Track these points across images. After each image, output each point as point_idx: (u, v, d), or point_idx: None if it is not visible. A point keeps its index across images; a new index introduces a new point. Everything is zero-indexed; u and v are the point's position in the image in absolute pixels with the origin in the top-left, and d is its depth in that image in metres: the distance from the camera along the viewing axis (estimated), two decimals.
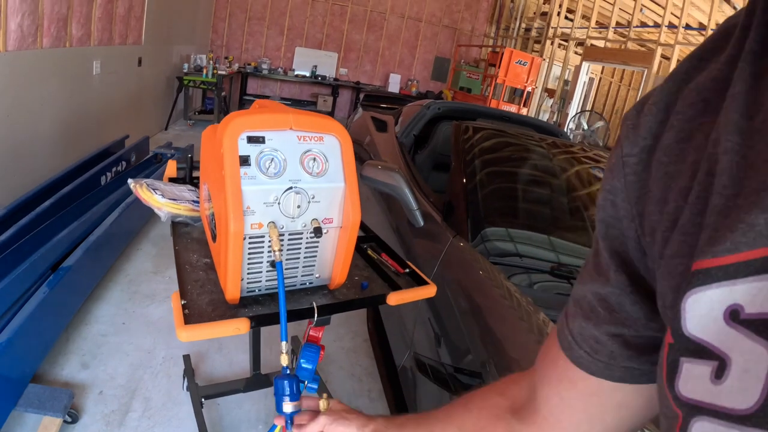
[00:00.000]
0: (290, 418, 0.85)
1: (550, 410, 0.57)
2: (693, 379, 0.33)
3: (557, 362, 0.53)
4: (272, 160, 0.97)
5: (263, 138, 0.98)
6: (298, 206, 1.00)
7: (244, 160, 0.96)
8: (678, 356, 0.34)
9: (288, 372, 0.91)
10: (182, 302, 1.08)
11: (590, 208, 2.29)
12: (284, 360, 0.95)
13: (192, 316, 1.05)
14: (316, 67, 10.74)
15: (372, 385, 2.55)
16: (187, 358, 2.38)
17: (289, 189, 0.99)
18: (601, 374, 0.49)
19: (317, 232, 1.02)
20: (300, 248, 1.08)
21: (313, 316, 1.08)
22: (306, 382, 1.07)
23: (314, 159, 1.01)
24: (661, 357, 0.37)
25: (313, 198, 1.02)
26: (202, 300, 1.10)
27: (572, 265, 1.87)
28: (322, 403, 0.84)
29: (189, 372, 2.28)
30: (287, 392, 0.85)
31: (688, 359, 0.33)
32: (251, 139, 0.97)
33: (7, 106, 3.51)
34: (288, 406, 0.85)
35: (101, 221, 3.14)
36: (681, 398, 0.34)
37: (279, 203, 0.99)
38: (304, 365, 1.05)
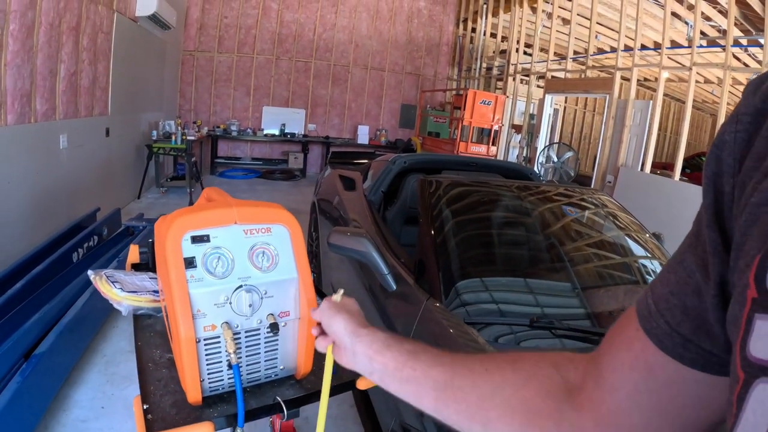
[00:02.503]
0: None
1: (617, 401, 0.52)
2: (764, 338, 0.33)
3: (632, 344, 0.51)
4: (219, 258, 0.94)
5: (208, 236, 0.95)
6: (250, 305, 0.96)
7: (190, 263, 0.93)
8: (755, 313, 0.34)
9: None
10: (144, 407, 1.03)
11: (565, 244, 2.29)
12: None
13: (155, 421, 0.99)
14: (284, 125, 10.85)
15: None
16: None
17: (240, 288, 0.95)
18: (674, 352, 0.47)
19: (274, 328, 0.99)
20: (259, 344, 1.04)
21: (281, 411, 1.04)
22: None
23: (263, 252, 0.98)
24: (741, 316, 0.36)
25: (265, 293, 0.99)
26: (165, 402, 1.05)
27: (553, 306, 1.86)
28: (336, 296, 0.84)
29: None
30: None
31: (762, 315, 0.34)
32: (195, 239, 0.94)
33: None
34: None
35: (74, 302, 3.07)
36: (749, 358, 0.34)
37: (230, 303, 0.96)
38: None
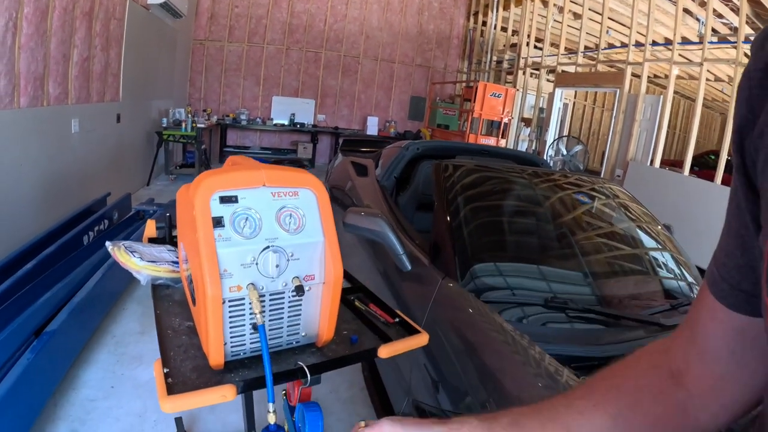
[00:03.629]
0: None
1: (722, 367, 0.56)
2: None
3: (716, 313, 0.55)
4: (247, 219, 0.94)
5: (236, 197, 0.95)
6: (277, 265, 0.96)
7: (218, 222, 0.93)
8: None
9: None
10: (165, 370, 1.03)
11: (577, 233, 2.28)
12: (271, 419, 0.91)
13: (176, 384, 1.00)
14: (294, 115, 10.84)
15: None
16: (179, 421, 2.30)
17: (267, 248, 0.95)
18: (745, 309, 0.51)
19: (299, 290, 0.99)
20: (283, 308, 1.04)
21: (304, 377, 1.04)
22: None
23: (290, 215, 0.98)
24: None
25: (292, 256, 0.99)
26: (185, 367, 1.05)
27: (565, 293, 1.85)
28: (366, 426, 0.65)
29: None
30: None
31: None
32: (224, 199, 0.94)
33: None
34: None
35: (85, 282, 3.09)
36: None
37: (257, 264, 0.96)
38: (314, 423, 1.02)
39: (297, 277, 1.00)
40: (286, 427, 1.32)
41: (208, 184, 0.93)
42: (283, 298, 1.03)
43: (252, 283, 0.96)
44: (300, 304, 1.05)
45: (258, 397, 2.14)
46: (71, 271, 3.26)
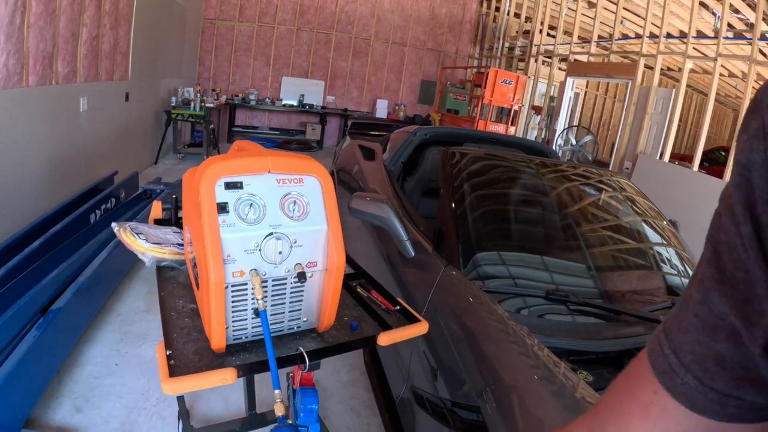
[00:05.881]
0: None
1: None
2: None
3: (648, 410, 0.43)
4: (251, 205, 0.95)
5: (241, 183, 0.96)
6: (280, 252, 0.97)
7: (222, 208, 0.94)
8: None
9: (286, 420, 0.88)
10: (167, 352, 1.04)
11: (582, 225, 2.28)
12: (279, 409, 0.92)
13: (177, 367, 1.01)
14: (303, 96, 10.80)
15: (371, 418, 2.50)
16: (181, 400, 2.33)
17: (270, 235, 0.96)
18: (710, 411, 0.39)
19: (301, 277, 1.00)
20: (285, 294, 1.05)
21: (303, 362, 1.05)
22: (309, 428, 1.04)
23: (295, 202, 0.99)
24: None
25: (295, 242, 1.00)
26: (188, 349, 1.07)
27: (567, 285, 1.85)
28: None
29: (184, 414, 2.22)
30: None
31: None
32: (229, 185, 0.95)
33: None
34: None
35: (91, 261, 3.10)
36: None
37: (260, 250, 0.97)
38: (308, 407, 1.03)
39: (299, 264, 1.01)
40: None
41: (214, 170, 0.94)
42: (285, 284, 1.04)
43: (255, 269, 0.97)
44: (302, 291, 1.06)
45: (259, 377, 2.17)
46: (77, 250, 3.28)
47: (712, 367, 0.38)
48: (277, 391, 0.93)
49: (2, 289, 2.53)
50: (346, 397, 2.62)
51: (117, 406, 2.36)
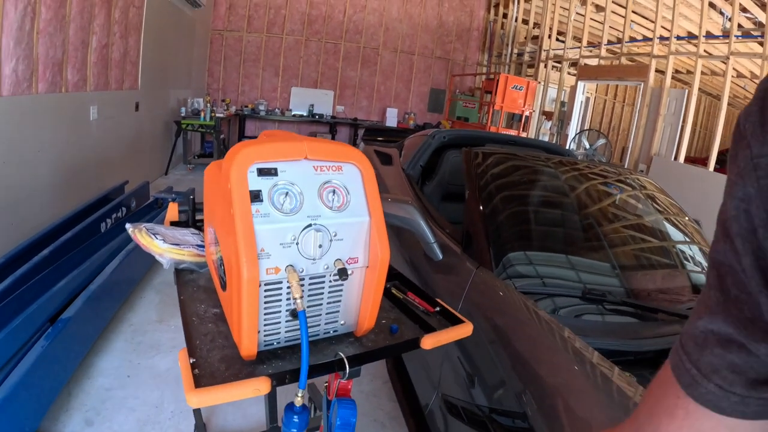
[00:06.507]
0: None
1: None
2: None
3: (675, 412, 0.46)
4: (287, 194, 0.86)
5: (275, 170, 0.86)
6: (320, 246, 0.88)
7: (255, 196, 0.84)
8: None
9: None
10: (191, 360, 0.94)
11: (607, 223, 2.24)
12: (298, 401, 0.87)
13: (203, 376, 0.91)
14: (312, 105, 10.79)
15: (397, 429, 2.40)
16: (198, 413, 2.24)
17: (309, 227, 0.87)
18: (734, 411, 0.42)
19: (342, 274, 0.90)
20: (323, 293, 0.95)
21: (342, 369, 0.95)
22: None
23: (334, 191, 0.90)
24: None
25: (335, 235, 0.90)
26: (213, 357, 0.97)
27: (597, 285, 1.78)
28: None
29: (200, 428, 2.13)
30: None
31: None
32: (262, 172, 0.85)
33: (3, 152, 3.42)
34: None
35: (102, 269, 3.04)
36: None
37: (297, 243, 0.87)
38: (346, 420, 0.94)
39: (339, 260, 0.91)
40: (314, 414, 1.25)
41: (246, 155, 0.84)
42: (324, 282, 0.94)
43: (291, 265, 0.87)
44: (341, 289, 0.97)
45: (281, 390, 2.07)
46: (88, 258, 3.22)
47: (729, 375, 0.42)
48: (300, 390, 0.87)
49: (11, 297, 2.46)
50: (370, 409, 2.52)
51: (129, 419, 2.27)
